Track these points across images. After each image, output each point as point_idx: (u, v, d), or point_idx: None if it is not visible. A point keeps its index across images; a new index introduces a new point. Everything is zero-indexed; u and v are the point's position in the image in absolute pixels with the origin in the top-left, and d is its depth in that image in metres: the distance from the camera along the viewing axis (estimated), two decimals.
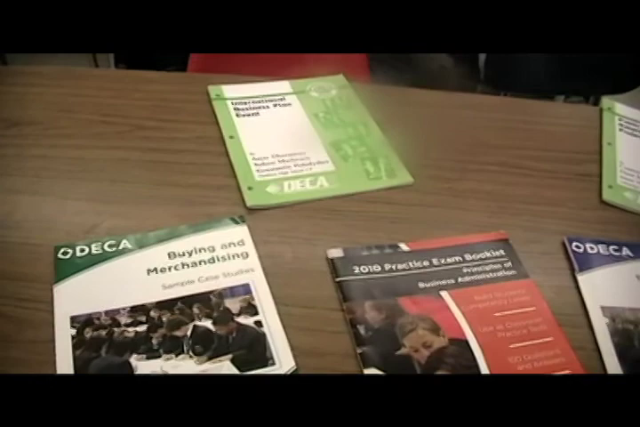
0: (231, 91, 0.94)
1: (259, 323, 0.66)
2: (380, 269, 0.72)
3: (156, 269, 0.70)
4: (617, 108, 1.00)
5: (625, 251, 0.77)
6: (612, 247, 0.78)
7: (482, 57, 1.41)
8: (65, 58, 1.63)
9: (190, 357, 0.62)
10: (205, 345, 0.63)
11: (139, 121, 0.89)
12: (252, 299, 0.68)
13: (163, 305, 0.67)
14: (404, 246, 0.75)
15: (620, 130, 0.96)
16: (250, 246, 0.73)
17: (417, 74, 1.71)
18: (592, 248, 0.77)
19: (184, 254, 0.71)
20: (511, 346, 0.67)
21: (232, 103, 0.92)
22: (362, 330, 0.66)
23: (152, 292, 0.68)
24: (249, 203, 0.77)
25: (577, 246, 0.77)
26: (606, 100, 1.02)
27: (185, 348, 0.63)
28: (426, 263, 0.73)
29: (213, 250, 0.72)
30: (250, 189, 0.78)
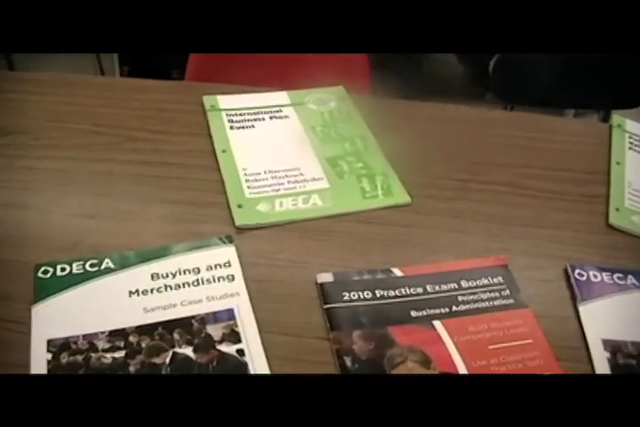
0: (226, 101, 0.91)
1: (241, 351, 0.63)
2: (370, 295, 0.69)
3: (137, 291, 0.67)
4: (627, 125, 0.96)
5: (630, 279, 0.74)
6: (616, 275, 0.74)
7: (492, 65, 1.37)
8: (70, 60, 1.62)
9: None
10: None
11: (130, 132, 0.86)
12: (236, 325, 0.65)
13: (143, 330, 0.64)
14: (397, 271, 0.72)
15: (630, 148, 0.92)
16: (236, 269, 0.70)
17: (425, 82, 1.68)
18: (595, 276, 0.74)
19: (168, 276, 0.69)
20: None
21: (227, 115, 0.89)
22: (348, 362, 0.63)
23: (132, 315, 0.65)
24: (238, 222, 0.74)
25: (580, 274, 0.73)
26: (617, 117, 0.98)
27: None
28: (419, 290, 0.70)
29: (198, 272, 0.69)
30: (240, 206, 0.75)
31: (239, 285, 0.68)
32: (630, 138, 0.94)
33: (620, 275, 0.74)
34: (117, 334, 0.63)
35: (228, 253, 0.71)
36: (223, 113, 0.89)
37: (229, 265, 0.70)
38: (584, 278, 0.73)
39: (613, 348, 0.67)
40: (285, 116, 0.90)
